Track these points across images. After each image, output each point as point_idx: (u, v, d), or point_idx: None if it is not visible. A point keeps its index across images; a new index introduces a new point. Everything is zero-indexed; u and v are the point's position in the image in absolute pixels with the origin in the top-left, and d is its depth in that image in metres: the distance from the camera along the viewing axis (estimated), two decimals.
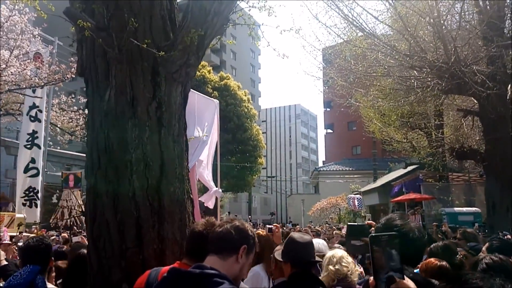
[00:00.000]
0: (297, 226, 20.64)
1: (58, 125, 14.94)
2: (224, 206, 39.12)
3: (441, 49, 8.56)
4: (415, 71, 9.04)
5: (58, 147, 17.65)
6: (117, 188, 2.69)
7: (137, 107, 2.80)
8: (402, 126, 15.28)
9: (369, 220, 21.71)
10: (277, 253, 2.60)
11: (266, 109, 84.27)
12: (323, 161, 57.80)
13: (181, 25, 2.97)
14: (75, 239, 7.31)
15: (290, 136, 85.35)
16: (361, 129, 22.02)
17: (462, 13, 8.72)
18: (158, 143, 2.83)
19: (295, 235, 2.58)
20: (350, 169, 38.72)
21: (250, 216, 37.92)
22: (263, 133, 34.83)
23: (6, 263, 3.32)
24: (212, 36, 3.08)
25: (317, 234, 9.76)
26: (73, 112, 15.01)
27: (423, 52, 8.43)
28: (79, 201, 9.21)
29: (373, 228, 2.41)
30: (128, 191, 2.68)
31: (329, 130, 53.67)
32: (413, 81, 8.93)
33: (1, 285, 3.42)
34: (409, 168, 18.45)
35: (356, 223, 2.78)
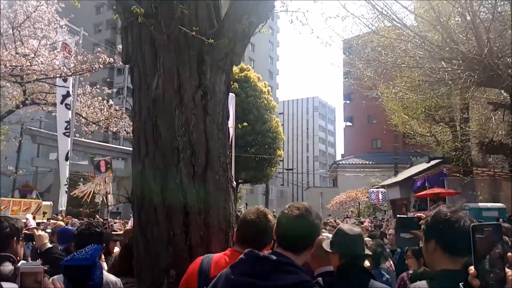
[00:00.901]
0: None
1: (83, 115, 15.15)
2: (241, 197, 39.27)
3: (472, 40, 8.36)
4: (443, 63, 8.86)
5: (81, 137, 17.95)
6: (165, 174, 2.71)
7: (183, 95, 2.81)
8: (426, 120, 15.02)
9: (390, 216, 21.52)
10: (325, 243, 2.58)
11: (284, 101, 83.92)
12: (341, 154, 57.35)
13: (228, 13, 2.95)
14: (115, 226, 7.43)
15: (307, 129, 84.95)
16: (382, 123, 21.77)
17: (496, 4, 8.50)
18: (204, 131, 2.84)
19: (345, 227, 2.57)
20: (370, 162, 38.34)
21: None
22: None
23: (50, 245, 3.37)
24: (257, 23, 3.06)
25: None
26: (97, 102, 15.19)
27: (455, 44, 8.24)
28: (108, 189, 9.41)
29: (422, 221, 2.39)
30: (175, 177, 2.70)
31: (348, 123, 53.15)
32: (442, 73, 8.75)
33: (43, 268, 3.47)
34: (433, 162, 18.13)
35: (405, 216, 2.74)
